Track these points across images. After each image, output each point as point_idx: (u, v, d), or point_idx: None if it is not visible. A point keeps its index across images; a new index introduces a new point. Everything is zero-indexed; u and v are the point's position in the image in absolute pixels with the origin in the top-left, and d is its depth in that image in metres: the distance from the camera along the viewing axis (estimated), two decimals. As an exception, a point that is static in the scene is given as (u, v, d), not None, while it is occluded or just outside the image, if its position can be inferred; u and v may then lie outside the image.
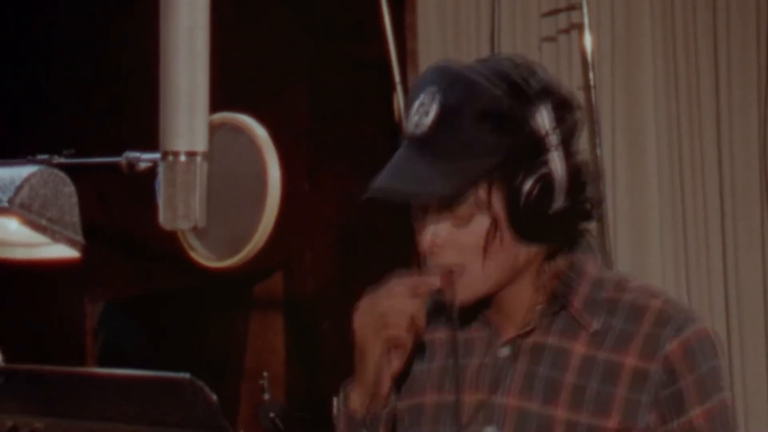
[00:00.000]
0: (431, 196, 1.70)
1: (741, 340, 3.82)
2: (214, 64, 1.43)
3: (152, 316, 4.46)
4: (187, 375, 1.19)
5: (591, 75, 3.84)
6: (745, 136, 3.84)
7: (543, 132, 1.69)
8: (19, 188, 1.22)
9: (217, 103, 1.48)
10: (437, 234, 1.73)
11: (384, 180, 1.71)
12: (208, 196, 1.40)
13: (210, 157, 1.40)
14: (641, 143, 3.91)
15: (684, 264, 3.87)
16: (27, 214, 1.23)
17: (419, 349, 1.82)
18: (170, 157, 1.38)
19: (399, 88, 3.62)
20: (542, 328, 1.77)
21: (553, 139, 1.70)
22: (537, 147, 1.69)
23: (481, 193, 1.70)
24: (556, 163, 1.70)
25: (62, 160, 1.42)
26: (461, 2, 4.00)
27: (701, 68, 3.88)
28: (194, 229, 1.39)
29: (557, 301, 1.76)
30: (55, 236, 1.26)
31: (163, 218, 1.39)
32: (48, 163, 1.37)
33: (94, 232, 1.42)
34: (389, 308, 1.73)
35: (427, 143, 1.70)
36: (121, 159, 1.45)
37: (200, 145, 1.39)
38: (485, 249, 1.71)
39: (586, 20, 3.81)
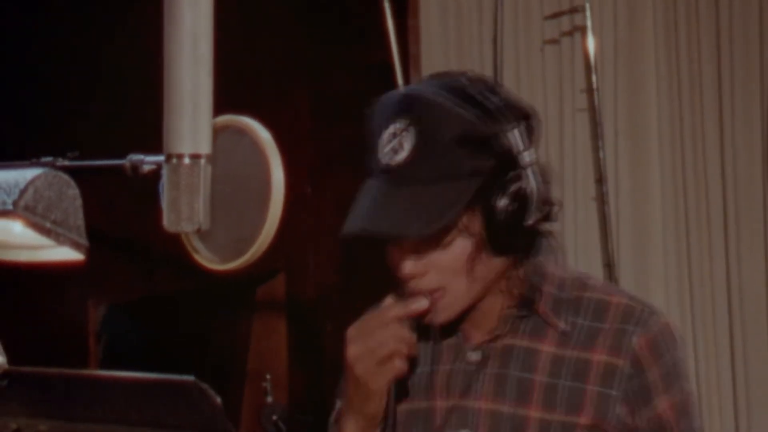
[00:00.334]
0: (418, 234, 1.69)
1: (744, 343, 3.81)
2: (217, 68, 1.44)
3: (155, 319, 4.46)
4: (191, 377, 1.19)
5: (594, 78, 3.84)
6: (748, 138, 3.83)
7: (517, 150, 1.71)
8: (23, 191, 1.22)
9: (220, 107, 1.48)
10: (418, 262, 1.73)
11: (366, 218, 1.69)
12: (212, 198, 1.40)
13: (214, 160, 1.40)
14: (644, 146, 3.91)
15: (687, 267, 3.86)
16: (31, 216, 1.23)
17: None
18: (174, 160, 1.38)
19: (402, 91, 3.63)
20: (510, 331, 1.80)
21: (527, 156, 1.72)
22: (512, 165, 1.71)
23: (463, 218, 1.71)
24: (531, 179, 1.72)
25: (66, 162, 1.42)
26: (464, 6, 4.01)
27: (704, 71, 3.87)
28: (198, 231, 1.40)
29: (525, 304, 1.79)
30: (60, 239, 1.26)
31: (167, 221, 1.39)
32: (52, 166, 1.37)
33: (97, 235, 1.43)
34: (388, 338, 1.72)
35: (405, 174, 1.68)
36: (125, 162, 1.45)
37: (204, 147, 1.39)
38: (468, 270, 1.73)
39: (588, 23, 3.81)
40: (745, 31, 3.84)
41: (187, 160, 1.38)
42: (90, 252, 1.38)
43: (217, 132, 1.42)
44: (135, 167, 1.45)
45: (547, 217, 1.77)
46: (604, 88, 3.88)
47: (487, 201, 1.70)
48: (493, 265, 1.75)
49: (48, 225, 1.24)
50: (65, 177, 1.28)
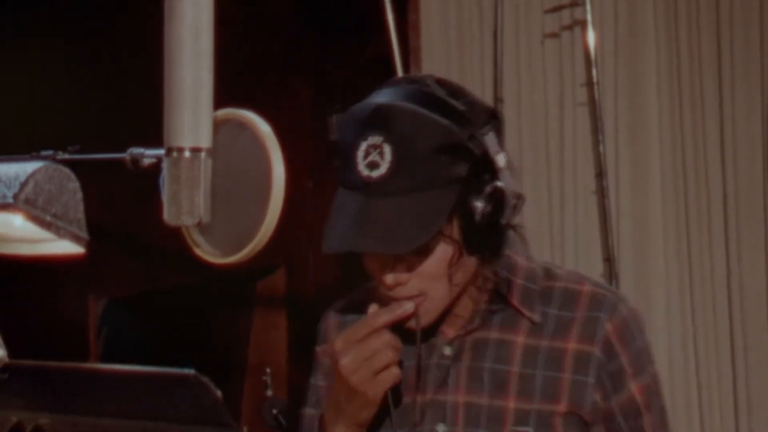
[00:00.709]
0: (408, 249, 1.70)
1: (744, 339, 3.81)
2: (218, 62, 1.44)
3: (155, 313, 4.46)
4: (191, 371, 1.19)
5: (594, 72, 3.84)
6: (748, 133, 3.83)
7: (492, 152, 1.73)
8: (23, 184, 1.22)
9: (220, 101, 1.48)
10: (400, 271, 1.74)
11: (352, 234, 1.68)
12: (213, 192, 1.40)
13: (214, 154, 1.40)
14: (644, 140, 3.91)
15: (687, 261, 3.86)
16: (32, 209, 1.23)
17: None
18: (175, 153, 1.38)
19: (402, 85, 3.63)
20: (483, 325, 1.82)
21: (502, 158, 1.74)
22: (489, 167, 1.73)
23: (446, 224, 1.72)
24: (507, 180, 1.74)
25: (66, 156, 1.42)
26: (464, 0, 4.01)
27: (704, 65, 3.87)
28: (198, 225, 1.40)
29: (498, 298, 1.81)
30: (60, 232, 1.26)
31: (168, 214, 1.39)
32: (52, 159, 1.37)
33: (97, 229, 1.43)
34: (381, 347, 1.74)
35: (386, 188, 1.68)
36: (125, 155, 1.45)
37: (204, 141, 1.39)
38: (450, 275, 1.74)
39: (589, 17, 3.81)
40: (746, 25, 3.83)
41: (187, 154, 1.38)
42: (90, 246, 1.37)
43: (218, 126, 1.42)
44: (135, 161, 1.45)
45: (515, 211, 1.79)
46: (604, 82, 3.88)
47: (466, 206, 1.71)
48: (469, 264, 1.77)
49: (48, 218, 1.24)
50: (66, 170, 1.28)
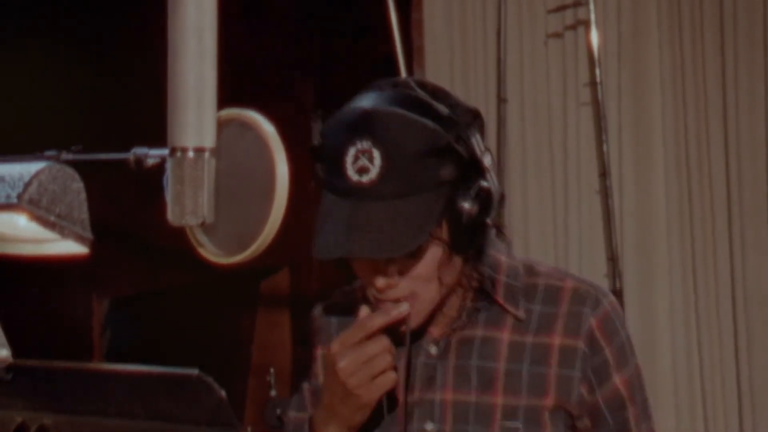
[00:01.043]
0: (403, 252, 1.71)
1: (748, 338, 3.81)
2: (221, 61, 1.44)
3: (159, 313, 4.46)
4: (195, 371, 1.19)
5: (597, 71, 3.84)
6: (752, 133, 3.83)
7: (479, 153, 1.74)
8: (27, 184, 1.22)
9: (223, 101, 1.48)
10: (392, 277, 1.75)
11: (345, 239, 1.69)
12: (216, 192, 1.40)
13: (218, 154, 1.40)
14: (648, 140, 3.91)
15: (690, 260, 3.86)
16: (36, 210, 1.23)
17: None
18: (178, 153, 1.38)
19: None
20: (468, 323, 1.83)
21: (488, 159, 1.75)
22: (475, 168, 1.74)
23: (436, 227, 1.72)
24: (493, 180, 1.76)
25: (70, 156, 1.41)
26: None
27: (708, 65, 3.87)
28: (202, 225, 1.40)
29: (483, 296, 1.83)
30: (64, 232, 1.26)
31: (172, 214, 1.39)
32: (56, 159, 1.37)
33: (101, 229, 1.43)
34: (378, 351, 1.75)
35: (376, 192, 1.68)
36: (129, 155, 1.44)
37: (208, 141, 1.39)
38: (440, 276, 1.76)
39: (592, 17, 3.81)
40: (750, 24, 3.83)
41: (191, 154, 1.38)
42: (94, 246, 1.37)
43: (222, 125, 1.42)
44: (139, 161, 1.45)
45: (499, 209, 1.82)
46: (607, 81, 3.88)
47: (455, 207, 1.72)
48: (456, 264, 1.78)
49: (52, 218, 1.24)
50: (69, 170, 1.28)
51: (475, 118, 1.76)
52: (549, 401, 1.80)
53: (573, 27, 3.93)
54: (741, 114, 3.83)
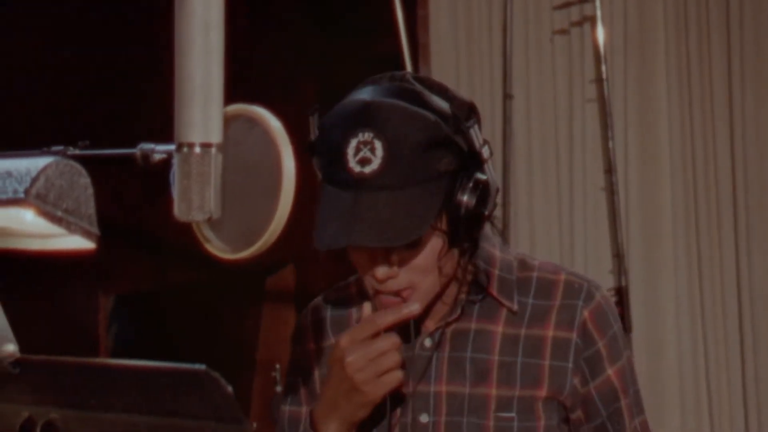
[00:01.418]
0: (405, 241, 1.72)
1: (754, 335, 3.81)
2: (226, 60, 1.44)
3: (165, 309, 4.47)
4: (202, 366, 1.19)
5: (603, 68, 3.84)
6: (758, 129, 3.83)
7: (478, 146, 1.75)
8: (35, 179, 1.22)
9: (227, 98, 1.48)
10: (392, 267, 1.76)
11: (348, 229, 1.70)
12: (223, 187, 1.40)
13: (225, 149, 1.40)
14: (654, 136, 3.91)
15: (696, 259, 3.86)
16: (43, 205, 1.23)
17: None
18: (185, 149, 1.37)
19: (411, 81, 3.62)
20: (462, 315, 1.86)
21: (486, 152, 1.77)
22: (474, 160, 1.75)
23: (436, 218, 1.74)
24: (491, 173, 1.78)
25: (77, 151, 1.41)
26: (473, -5, 4.01)
27: (714, 61, 3.87)
28: (209, 220, 1.39)
29: (477, 289, 1.85)
30: (71, 227, 1.26)
31: (178, 210, 1.38)
32: (63, 155, 1.37)
33: (107, 225, 1.42)
34: (386, 348, 1.77)
35: (378, 183, 1.70)
36: (136, 151, 1.44)
37: (215, 136, 1.38)
38: (440, 267, 1.77)
39: (598, 13, 3.81)
40: (756, 21, 3.83)
41: (198, 149, 1.37)
42: (100, 242, 1.37)
43: (228, 121, 1.42)
44: (146, 156, 1.45)
45: (496, 204, 1.84)
46: (613, 78, 3.88)
47: (454, 198, 1.74)
48: (453, 256, 1.80)
49: (59, 213, 1.24)
50: (77, 166, 1.28)
51: (472, 111, 1.78)
52: (542, 392, 1.82)
53: (579, 23, 3.93)
54: (747, 111, 3.82)
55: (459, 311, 1.85)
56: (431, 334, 1.86)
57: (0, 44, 3.84)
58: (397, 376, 1.77)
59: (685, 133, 3.88)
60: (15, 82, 3.78)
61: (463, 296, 1.86)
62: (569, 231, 3.92)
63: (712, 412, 3.82)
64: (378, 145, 1.69)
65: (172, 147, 1.40)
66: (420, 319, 1.86)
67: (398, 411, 1.83)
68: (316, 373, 1.92)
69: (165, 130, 1.49)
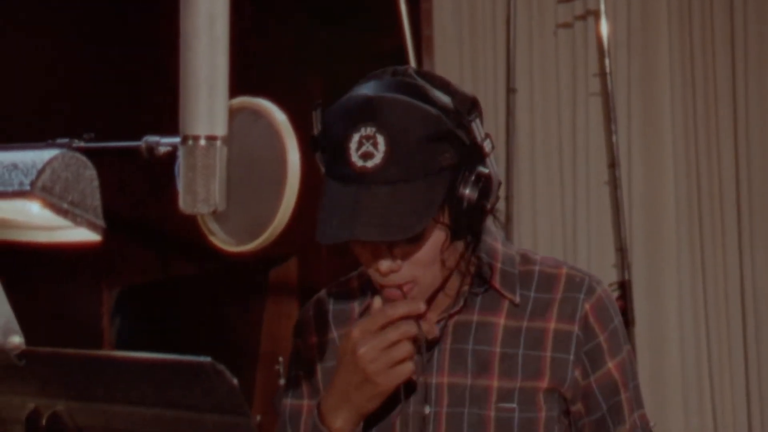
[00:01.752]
0: (407, 236, 1.72)
1: (756, 328, 3.81)
2: (231, 53, 1.43)
3: (168, 302, 4.47)
4: (208, 358, 1.19)
5: (607, 62, 3.84)
6: (762, 123, 3.83)
7: (479, 140, 1.76)
8: (41, 171, 1.22)
9: (231, 92, 1.48)
10: (395, 261, 1.77)
11: (351, 223, 1.70)
12: (228, 180, 1.40)
13: (230, 142, 1.40)
14: (657, 131, 3.90)
15: (699, 251, 3.86)
16: (49, 197, 1.23)
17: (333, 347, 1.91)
18: (190, 142, 1.37)
19: (415, 75, 3.62)
20: (464, 308, 1.87)
21: (488, 145, 1.77)
22: (476, 154, 1.76)
23: (439, 211, 1.75)
24: (493, 166, 1.78)
25: (82, 144, 1.41)
26: (477, -11, 4.00)
27: (718, 54, 3.86)
28: (214, 213, 1.39)
29: (479, 281, 1.86)
30: (77, 220, 1.26)
31: (183, 202, 1.38)
32: (68, 147, 1.37)
33: (111, 218, 1.42)
34: (399, 338, 1.77)
35: (380, 177, 1.70)
36: (141, 143, 1.44)
37: (220, 129, 1.38)
38: (443, 260, 1.78)
39: (602, 7, 3.81)
40: (760, 15, 3.83)
41: (203, 142, 1.37)
42: (104, 235, 1.37)
43: (233, 114, 1.42)
44: (151, 149, 1.44)
45: (498, 198, 1.84)
46: (617, 72, 3.87)
47: (456, 192, 1.74)
48: (456, 249, 1.81)
49: (65, 206, 1.24)
50: (82, 158, 1.27)
51: (473, 105, 1.78)
52: (543, 384, 1.84)
53: (583, 17, 3.93)
54: (750, 104, 3.82)
55: (461, 303, 1.87)
56: (434, 326, 1.87)
57: (4, 38, 3.84)
58: (410, 367, 1.78)
59: (689, 127, 3.88)
60: (18, 75, 3.78)
61: (465, 288, 1.87)
62: (572, 225, 3.92)
63: (714, 406, 3.83)
64: (380, 139, 1.69)
65: (177, 140, 1.40)
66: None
67: (401, 402, 1.84)
68: (318, 367, 1.92)
69: (170, 123, 1.49)
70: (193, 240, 1.61)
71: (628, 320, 3.69)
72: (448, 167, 1.73)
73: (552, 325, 1.85)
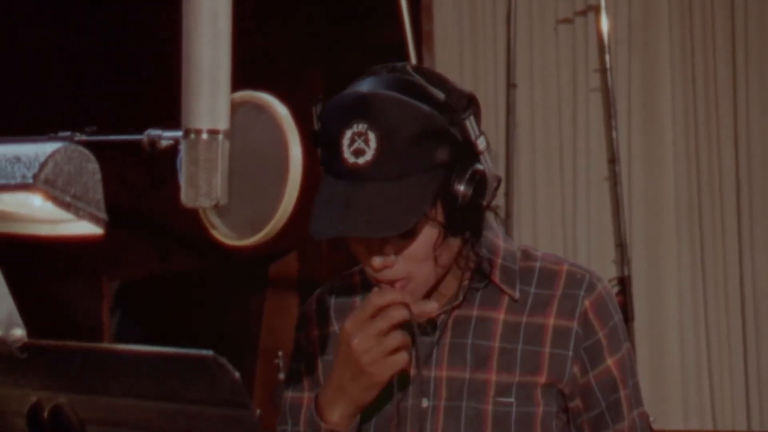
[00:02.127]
0: (395, 232, 1.73)
1: (756, 326, 3.81)
2: (232, 47, 1.44)
3: (168, 296, 4.47)
4: (210, 352, 1.19)
5: (607, 57, 3.84)
6: (762, 119, 3.83)
7: (473, 137, 1.76)
8: (43, 164, 1.22)
9: (233, 86, 1.48)
10: (388, 256, 1.78)
11: (341, 219, 1.72)
12: (230, 174, 1.40)
13: (232, 136, 1.40)
14: (657, 127, 3.91)
15: (699, 247, 3.86)
16: (51, 190, 1.23)
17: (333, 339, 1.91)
18: (192, 135, 1.38)
19: (415, 70, 3.62)
20: (464, 303, 1.88)
21: (482, 143, 1.78)
22: (470, 151, 1.76)
23: (430, 208, 1.76)
24: (488, 163, 1.79)
25: (84, 137, 1.41)
26: (478, -16, 4.00)
27: (718, 51, 3.86)
28: (216, 207, 1.40)
29: (479, 277, 1.87)
30: (79, 213, 1.26)
31: (185, 196, 1.39)
32: (70, 140, 1.37)
33: (111, 212, 1.43)
34: (387, 326, 1.78)
35: (372, 174, 1.71)
36: (143, 137, 1.44)
37: (222, 123, 1.39)
38: (435, 257, 1.79)
39: (603, 2, 3.81)
40: (760, 10, 3.83)
41: (205, 136, 1.37)
42: (104, 228, 1.37)
43: (236, 108, 1.42)
44: (153, 143, 1.45)
45: (494, 194, 1.84)
46: (617, 67, 3.87)
47: (449, 189, 1.75)
48: (452, 246, 1.82)
49: (68, 199, 1.24)
50: (85, 151, 1.28)
51: (470, 102, 1.79)
52: (542, 379, 1.84)
53: (583, 13, 3.93)
54: (751, 101, 3.82)
55: (461, 298, 1.87)
56: (434, 320, 1.88)
57: (5, 32, 3.84)
58: (404, 356, 1.79)
59: (689, 123, 3.88)
60: (20, 68, 3.78)
61: (465, 284, 1.87)
62: (572, 221, 3.92)
63: (714, 402, 3.83)
64: (372, 136, 1.71)
65: (179, 133, 1.40)
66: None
67: (399, 395, 1.85)
68: (319, 360, 1.93)
69: (172, 117, 1.49)
70: (193, 234, 1.61)
71: (627, 316, 3.69)
72: (440, 164, 1.73)
73: (551, 321, 1.86)
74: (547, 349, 1.85)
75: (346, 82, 1.84)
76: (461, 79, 3.86)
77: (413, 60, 3.58)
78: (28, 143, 1.28)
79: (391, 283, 1.79)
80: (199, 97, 1.39)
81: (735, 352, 3.82)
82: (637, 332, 3.79)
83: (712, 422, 3.83)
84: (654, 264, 3.88)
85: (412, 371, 1.84)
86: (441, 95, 1.76)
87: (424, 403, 1.86)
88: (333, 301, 1.96)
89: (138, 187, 3.92)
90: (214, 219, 1.47)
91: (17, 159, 1.24)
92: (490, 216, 1.89)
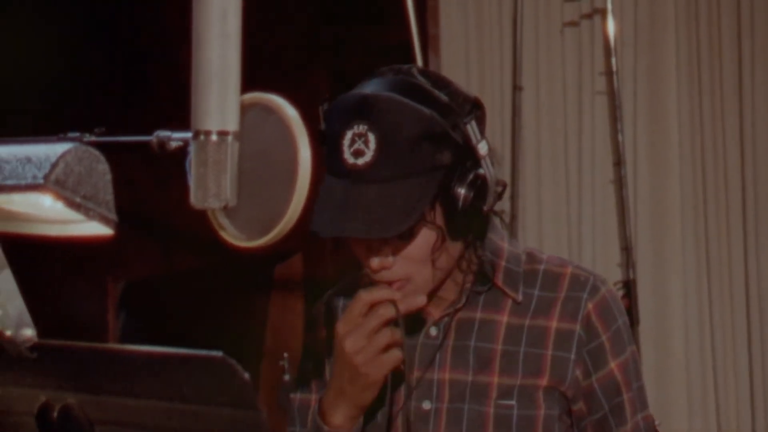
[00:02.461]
0: (392, 233, 1.74)
1: (761, 327, 3.81)
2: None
3: (173, 297, 4.47)
4: (219, 353, 1.19)
5: (613, 60, 3.84)
6: (767, 122, 3.83)
7: (474, 141, 1.77)
8: (54, 165, 1.23)
9: (241, 88, 1.48)
10: (386, 257, 1.78)
11: (339, 219, 1.72)
12: (239, 175, 1.40)
13: (241, 137, 1.40)
14: (663, 129, 3.91)
15: (704, 250, 3.86)
16: (61, 190, 1.23)
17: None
18: (202, 137, 1.38)
19: (421, 72, 3.62)
20: (468, 305, 1.88)
21: (483, 146, 1.78)
22: (470, 156, 1.77)
23: (429, 210, 1.76)
24: (489, 167, 1.79)
25: (93, 138, 1.42)
26: (484, -13, 4.00)
27: (724, 54, 3.86)
28: (225, 208, 1.40)
29: (483, 280, 1.87)
30: (89, 213, 1.26)
31: (194, 197, 1.39)
32: (80, 141, 1.37)
33: (117, 211, 1.43)
34: (377, 324, 1.78)
35: (371, 175, 1.72)
36: (152, 138, 1.45)
37: (232, 124, 1.39)
38: (434, 260, 1.79)
39: (609, 5, 3.81)
40: (766, 12, 3.83)
41: (214, 137, 1.38)
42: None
43: (245, 109, 1.42)
44: (162, 144, 1.45)
45: (498, 198, 1.85)
46: (623, 71, 3.88)
47: (449, 192, 1.76)
48: (453, 249, 1.82)
49: (78, 199, 1.25)
50: (95, 152, 1.28)
51: (474, 106, 1.79)
52: (543, 381, 1.85)
53: (589, 16, 3.93)
54: (757, 103, 3.82)
55: (464, 300, 1.88)
56: (436, 323, 1.89)
57: (14, 33, 3.84)
58: (397, 354, 1.79)
59: (695, 126, 3.88)
60: (30, 69, 3.78)
61: (468, 286, 1.88)
62: (577, 223, 3.92)
63: (718, 405, 3.83)
64: (371, 137, 1.71)
65: (188, 134, 1.40)
66: (424, 309, 1.87)
67: (402, 398, 1.85)
68: (327, 362, 1.94)
69: (180, 118, 1.50)
70: (198, 234, 1.62)
71: (632, 319, 3.69)
72: (440, 167, 1.74)
73: (554, 324, 1.86)
74: (550, 352, 1.85)
75: (353, 82, 1.84)
76: (467, 81, 3.86)
77: (419, 62, 3.58)
78: (38, 144, 1.28)
79: (390, 284, 1.80)
80: (209, 98, 1.39)
81: (740, 354, 3.82)
82: (642, 335, 3.79)
83: (716, 424, 3.83)
84: (659, 267, 3.88)
85: (412, 375, 1.84)
86: (444, 98, 1.76)
87: (427, 405, 1.86)
88: (342, 303, 1.97)
89: (143, 188, 3.92)
90: (223, 220, 1.47)
91: (28, 159, 1.25)
92: (495, 219, 1.89)
